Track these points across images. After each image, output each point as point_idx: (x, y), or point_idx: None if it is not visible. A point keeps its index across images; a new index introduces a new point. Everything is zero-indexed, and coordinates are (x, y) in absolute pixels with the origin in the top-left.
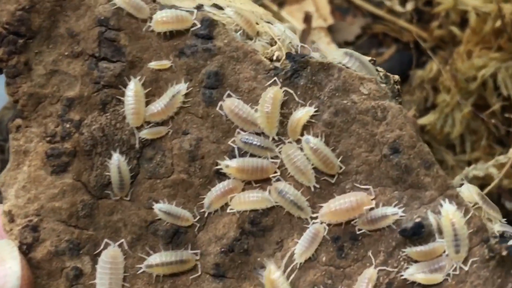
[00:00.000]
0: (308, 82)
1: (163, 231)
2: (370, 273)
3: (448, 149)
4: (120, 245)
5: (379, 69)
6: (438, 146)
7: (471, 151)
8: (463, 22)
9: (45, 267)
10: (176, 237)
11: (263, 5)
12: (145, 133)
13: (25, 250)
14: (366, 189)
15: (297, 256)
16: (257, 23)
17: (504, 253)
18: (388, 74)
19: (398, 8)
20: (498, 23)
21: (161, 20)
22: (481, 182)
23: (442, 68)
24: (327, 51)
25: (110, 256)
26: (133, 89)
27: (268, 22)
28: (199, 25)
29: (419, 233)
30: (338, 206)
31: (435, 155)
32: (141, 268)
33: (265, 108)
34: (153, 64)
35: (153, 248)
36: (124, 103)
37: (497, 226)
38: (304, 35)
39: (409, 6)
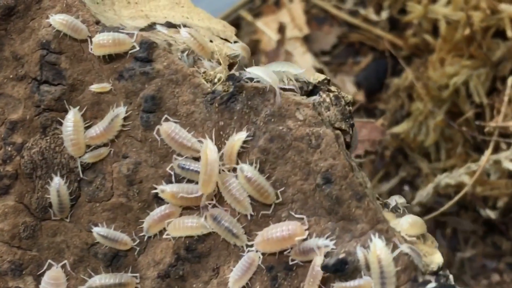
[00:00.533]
0: (244, 107)
1: (102, 254)
2: None
3: (424, 157)
4: (63, 266)
5: (331, 88)
6: (413, 154)
7: (446, 159)
8: (436, 30)
9: None
10: (115, 260)
11: (239, 17)
12: (87, 158)
13: None
14: (301, 219)
15: (231, 284)
16: (211, 41)
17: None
18: (340, 95)
19: (373, 16)
20: (468, 31)
21: (99, 43)
22: (455, 190)
23: (415, 77)
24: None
25: (53, 277)
26: (72, 119)
27: (225, 40)
28: (137, 48)
29: (342, 270)
30: (271, 235)
31: (411, 163)
32: None
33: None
34: (94, 87)
35: (95, 270)
36: (63, 134)
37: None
38: (279, 46)
39: (384, 15)
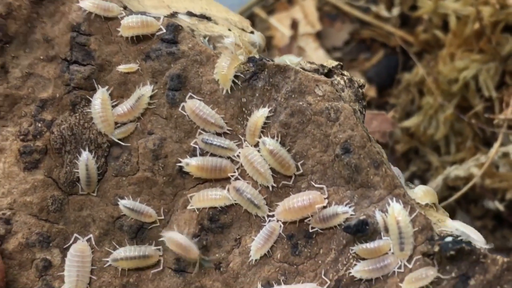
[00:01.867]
0: (266, 84)
1: (128, 226)
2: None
3: (434, 151)
4: (89, 240)
5: (345, 73)
6: (423, 148)
7: (456, 152)
8: (446, 26)
9: (16, 257)
10: (140, 232)
11: (252, 14)
12: (117, 134)
13: None
14: (320, 188)
15: (252, 253)
16: (229, 29)
17: (436, 249)
18: (353, 78)
19: (384, 13)
20: (478, 26)
21: (127, 25)
22: (464, 182)
23: (426, 73)
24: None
25: (78, 249)
26: (100, 98)
27: (242, 29)
28: (164, 30)
29: (362, 230)
30: (292, 204)
31: (421, 157)
32: (107, 261)
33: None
34: (121, 68)
35: (120, 243)
36: (92, 111)
37: (455, 225)
38: (291, 42)
39: (395, 11)
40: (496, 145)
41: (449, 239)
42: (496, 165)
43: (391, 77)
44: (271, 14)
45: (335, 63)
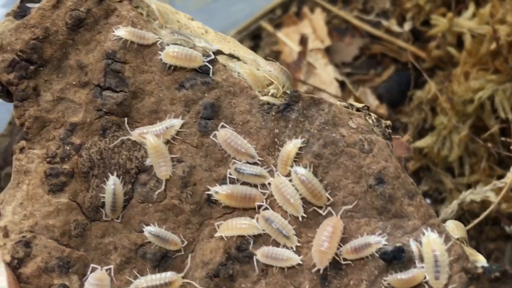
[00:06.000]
0: (300, 116)
1: (151, 254)
2: None
3: (447, 172)
4: (108, 270)
5: (372, 114)
6: (436, 169)
7: (470, 174)
8: (461, 43)
9: (34, 282)
10: (163, 261)
11: (259, 27)
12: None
13: (16, 264)
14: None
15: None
16: (258, 69)
17: (479, 271)
18: (380, 118)
19: (395, 28)
20: (494, 45)
21: (172, 55)
22: (480, 206)
23: (439, 90)
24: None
25: (97, 278)
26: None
27: (269, 70)
28: (210, 67)
29: (399, 257)
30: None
31: (434, 178)
32: None
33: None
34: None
35: (141, 272)
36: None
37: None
38: (300, 57)
39: (407, 27)
40: None
41: (483, 264)
42: None
43: (402, 93)
44: (278, 27)
45: (361, 104)
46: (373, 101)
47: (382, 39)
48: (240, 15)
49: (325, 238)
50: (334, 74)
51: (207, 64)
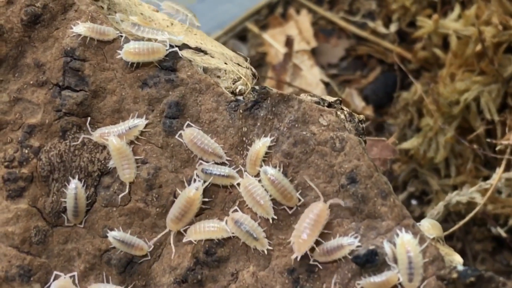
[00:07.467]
0: (268, 113)
1: (116, 260)
2: None
3: (433, 173)
4: (72, 277)
5: (344, 108)
6: (422, 171)
7: (456, 175)
8: (446, 44)
9: None
10: (129, 266)
11: (245, 28)
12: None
13: None
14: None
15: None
16: (225, 63)
17: (455, 275)
18: (353, 113)
19: (381, 29)
20: (479, 47)
21: (133, 51)
22: (466, 208)
23: (425, 91)
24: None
25: (60, 286)
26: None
27: (238, 64)
28: (164, 57)
29: (372, 261)
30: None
31: (420, 179)
32: None
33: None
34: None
35: (107, 278)
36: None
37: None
38: (286, 59)
39: (393, 28)
40: (499, 171)
41: (460, 267)
42: (499, 191)
43: (388, 95)
44: (264, 29)
45: (334, 98)
46: (359, 103)
47: (368, 40)
48: (226, 16)
49: (307, 225)
50: (320, 75)
51: (171, 50)
